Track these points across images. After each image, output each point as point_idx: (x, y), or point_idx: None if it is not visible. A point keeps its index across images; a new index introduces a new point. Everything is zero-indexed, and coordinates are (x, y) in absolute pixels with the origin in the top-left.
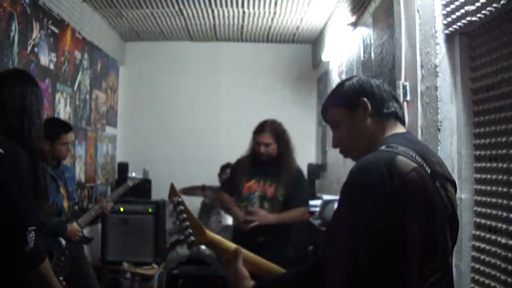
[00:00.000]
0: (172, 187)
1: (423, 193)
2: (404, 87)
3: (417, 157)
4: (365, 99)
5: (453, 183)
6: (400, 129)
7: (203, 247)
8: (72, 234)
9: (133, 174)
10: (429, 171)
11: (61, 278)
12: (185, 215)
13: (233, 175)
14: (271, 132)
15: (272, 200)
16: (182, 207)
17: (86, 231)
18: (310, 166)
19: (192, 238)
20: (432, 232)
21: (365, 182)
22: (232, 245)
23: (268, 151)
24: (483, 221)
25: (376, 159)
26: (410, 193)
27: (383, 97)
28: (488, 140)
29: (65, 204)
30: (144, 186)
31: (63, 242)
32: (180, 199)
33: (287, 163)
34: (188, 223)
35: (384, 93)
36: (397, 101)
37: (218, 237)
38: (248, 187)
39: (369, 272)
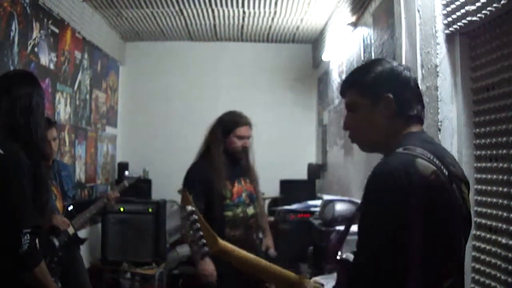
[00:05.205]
0: (185, 194)
1: (442, 196)
2: None
3: (434, 159)
4: (391, 97)
5: (466, 183)
6: (415, 127)
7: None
8: (59, 222)
9: (130, 174)
10: (446, 173)
11: (53, 278)
12: (198, 225)
13: (206, 184)
14: (250, 124)
15: (255, 196)
16: (196, 216)
17: (86, 231)
18: (310, 166)
19: (206, 248)
20: (449, 236)
21: (385, 188)
22: (247, 254)
23: (247, 145)
24: (483, 221)
25: (396, 164)
26: (429, 196)
27: (409, 98)
28: (488, 140)
29: (59, 204)
30: (143, 186)
31: (56, 243)
32: (194, 208)
33: (250, 156)
34: (202, 233)
35: (411, 93)
36: (421, 102)
37: (230, 246)
38: (236, 191)
39: (385, 275)
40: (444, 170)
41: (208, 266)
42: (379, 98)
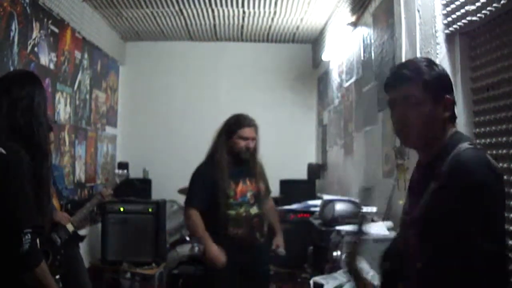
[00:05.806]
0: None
1: (504, 187)
2: None
3: None
4: (452, 99)
5: None
6: (456, 127)
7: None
8: (59, 217)
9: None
10: None
11: (57, 277)
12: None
13: (210, 183)
14: (255, 125)
15: (260, 196)
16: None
17: (86, 231)
18: (310, 166)
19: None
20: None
21: (482, 181)
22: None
23: (253, 147)
24: None
25: (477, 158)
26: (502, 187)
27: (455, 101)
28: (488, 140)
29: (55, 202)
30: (138, 185)
31: (58, 241)
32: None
33: (257, 157)
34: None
35: (455, 96)
36: None
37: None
38: (240, 191)
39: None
40: None
41: (219, 253)
42: (440, 98)
